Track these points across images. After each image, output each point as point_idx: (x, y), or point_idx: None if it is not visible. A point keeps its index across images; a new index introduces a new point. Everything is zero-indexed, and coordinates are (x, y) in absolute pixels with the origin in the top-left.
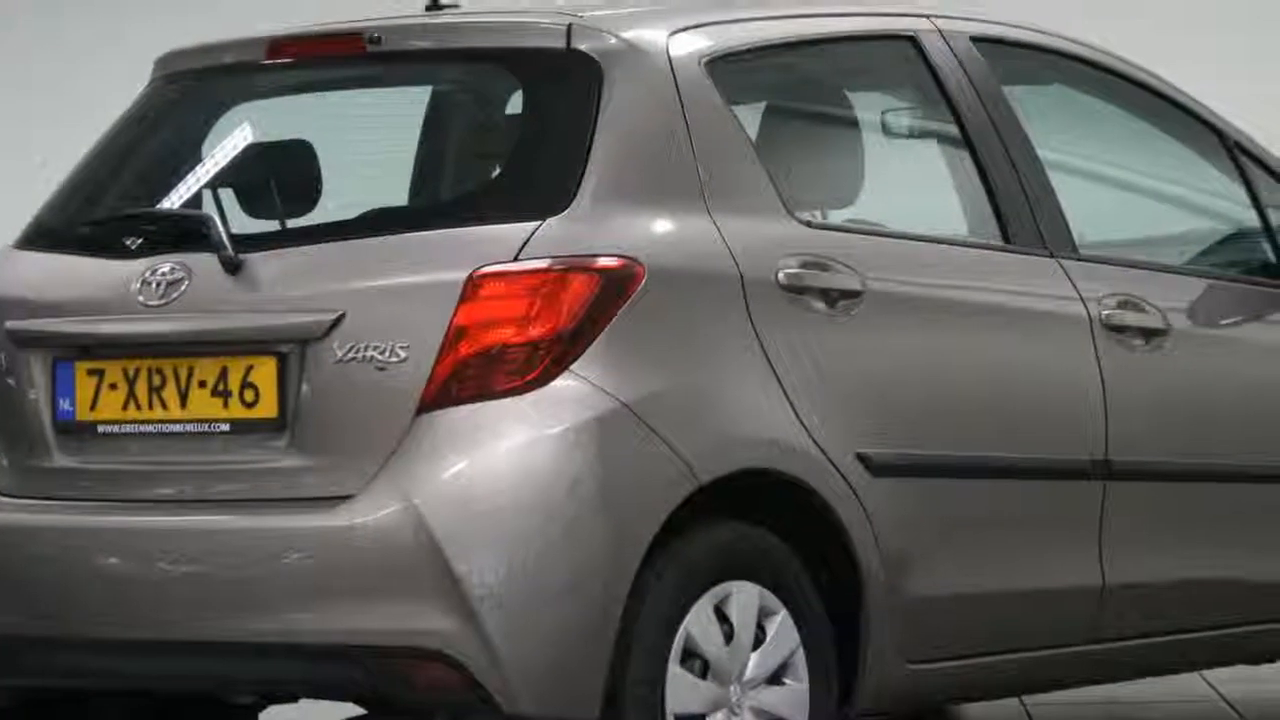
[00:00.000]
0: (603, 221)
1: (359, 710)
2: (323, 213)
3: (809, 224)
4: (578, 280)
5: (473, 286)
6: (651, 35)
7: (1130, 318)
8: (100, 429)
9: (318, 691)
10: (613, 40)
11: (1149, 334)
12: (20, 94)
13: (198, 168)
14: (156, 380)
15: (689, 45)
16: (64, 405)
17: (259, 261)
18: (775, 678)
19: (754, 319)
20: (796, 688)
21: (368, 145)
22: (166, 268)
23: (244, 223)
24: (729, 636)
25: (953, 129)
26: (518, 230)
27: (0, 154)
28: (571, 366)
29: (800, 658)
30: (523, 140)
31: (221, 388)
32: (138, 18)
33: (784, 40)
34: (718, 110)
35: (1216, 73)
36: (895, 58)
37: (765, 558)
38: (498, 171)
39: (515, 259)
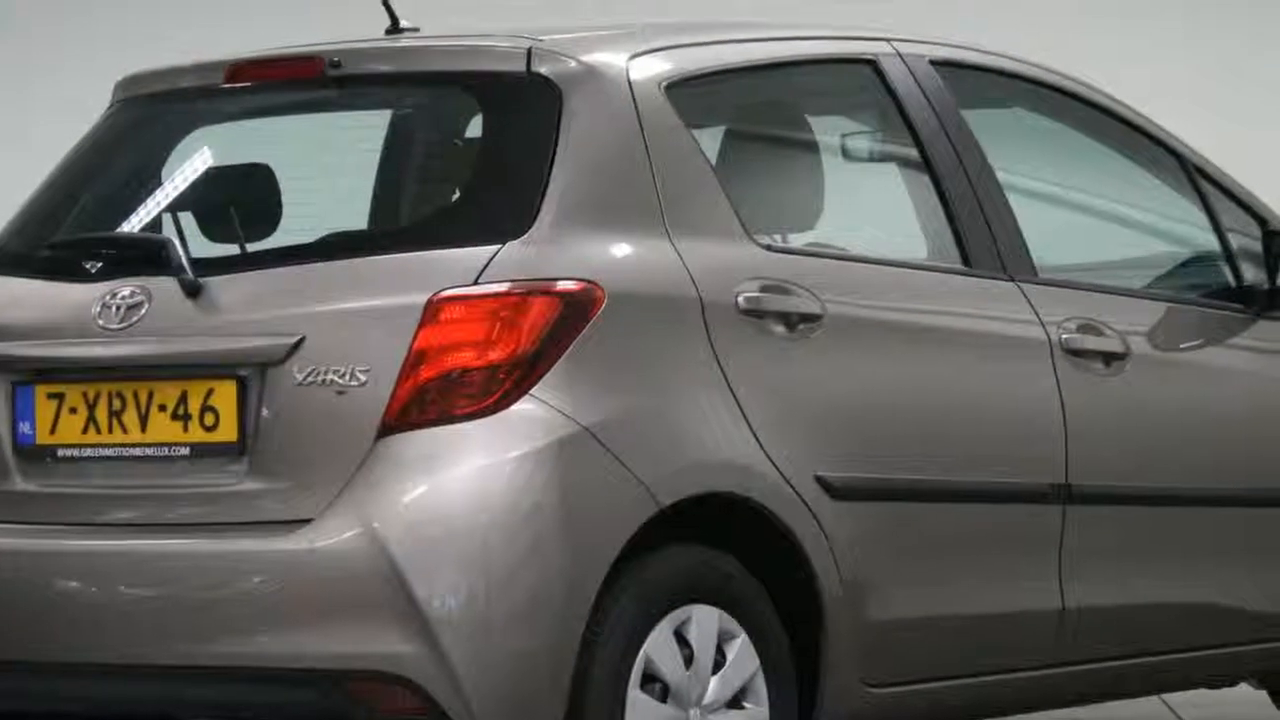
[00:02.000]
0: (563, 245)
1: None
2: (283, 236)
3: (769, 248)
4: (538, 304)
5: (432, 310)
6: (611, 59)
7: (1090, 341)
8: (60, 453)
9: (278, 716)
10: (572, 64)
11: (1109, 358)
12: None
13: (158, 191)
14: (117, 404)
15: (649, 69)
16: (24, 429)
17: (219, 285)
18: (735, 701)
19: (714, 342)
20: (756, 711)
21: (328, 168)
22: (126, 291)
23: (204, 246)
24: (689, 660)
25: (912, 152)
26: (478, 254)
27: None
28: (531, 390)
29: (760, 681)
30: (483, 164)
31: (181, 411)
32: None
33: (744, 64)
34: (678, 134)
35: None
36: (855, 81)
37: (725, 581)
38: (458, 195)
39: (475, 283)
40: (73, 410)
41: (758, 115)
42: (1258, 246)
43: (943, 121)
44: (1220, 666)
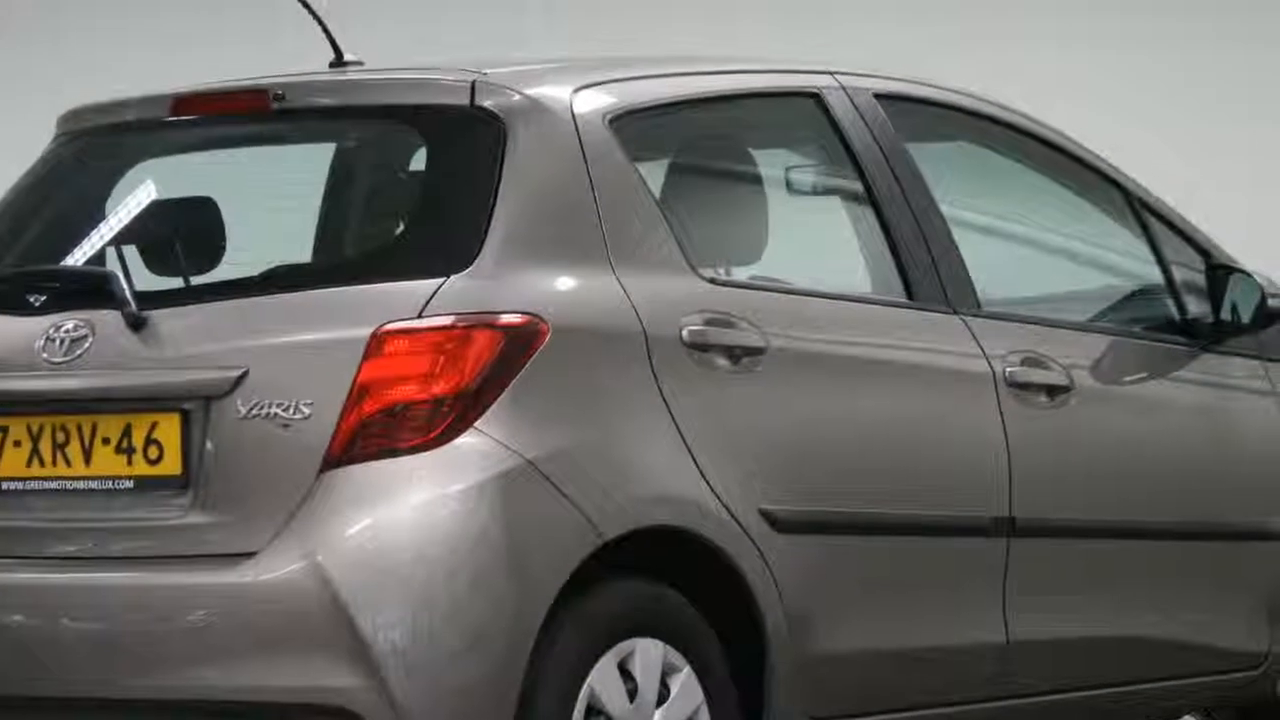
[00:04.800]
0: (507, 278)
1: None
2: (227, 269)
3: (713, 281)
4: (481, 337)
5: (376, 343)
6: (555, 92)
7: (1034, 375)
8: (4, 486)
9: None
10: (516, 97)
11: (1053, 391)
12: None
13: (102, 225)
14: (60, 437)
15: (593, 102)
16: None
17: (163, 318)
18: None
19: (658, 376)
20: None
21: (272, 201)
22: (70, 325)
23: (148, 279)
24: (633, 693)
25: (856, 185)
26: (422, 287)
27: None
28: (475, 424)
29: (704, 714)
30: (427, 197)
31: (125, 445)
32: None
33: (688, 97)
34: (622, 167)
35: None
36: (799, 114)
37: (669, 614)
38: (402, 228)
39: (419, 316)
40: (16, 444)
41: (702, 148)
42: (1201, 280)
43: (886, 155)
44: (1164, 699)
